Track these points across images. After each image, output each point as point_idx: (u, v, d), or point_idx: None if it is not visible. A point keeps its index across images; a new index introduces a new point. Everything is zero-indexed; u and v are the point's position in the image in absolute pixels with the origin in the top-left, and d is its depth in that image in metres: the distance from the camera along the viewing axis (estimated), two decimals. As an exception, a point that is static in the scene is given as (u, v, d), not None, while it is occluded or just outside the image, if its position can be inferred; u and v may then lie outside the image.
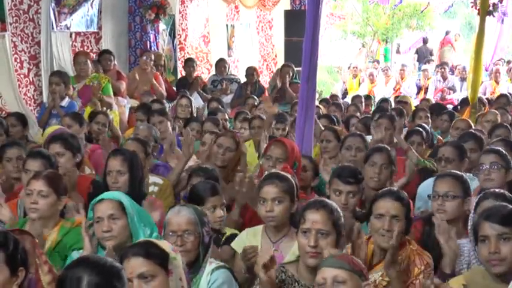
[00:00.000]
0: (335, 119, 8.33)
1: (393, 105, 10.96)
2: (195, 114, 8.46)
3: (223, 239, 4.48)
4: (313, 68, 6.37)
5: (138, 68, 10.83)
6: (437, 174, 4.90)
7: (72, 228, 4.33)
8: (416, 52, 22.23)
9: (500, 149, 5.14)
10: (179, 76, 12.56)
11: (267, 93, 11.41)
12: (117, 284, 2.59)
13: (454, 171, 4.75)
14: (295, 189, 4.29)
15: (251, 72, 11.73)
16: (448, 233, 3.86)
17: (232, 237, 4.42)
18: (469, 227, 4.00)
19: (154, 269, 2.98)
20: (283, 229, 4.18)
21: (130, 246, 3.11)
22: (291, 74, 11.21)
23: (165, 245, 3.11)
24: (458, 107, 10.85)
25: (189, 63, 11.88)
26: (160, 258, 3.01)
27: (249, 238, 4.25)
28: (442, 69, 16.02)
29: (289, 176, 4.38)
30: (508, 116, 8.84)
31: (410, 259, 3.82)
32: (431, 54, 21.47)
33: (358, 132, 6.59)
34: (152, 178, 5.59)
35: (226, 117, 8.56)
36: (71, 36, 10.68)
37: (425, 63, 18.78)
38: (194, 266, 3.67)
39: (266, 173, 4.64)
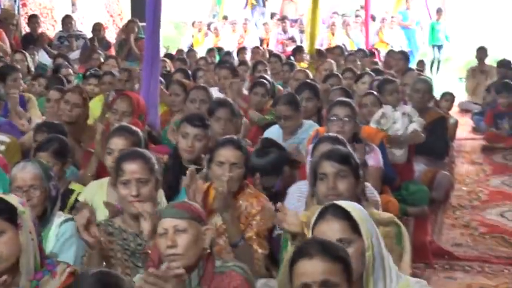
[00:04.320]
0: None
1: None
2: (32, 69, 8.25)
3: (72, 199, 4.34)
4: (157, 23, 6.29)
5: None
6: (320, 138, 4.91)
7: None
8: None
9: (352, 102, 5.27)
10: (23, 33, 12.11)
11: (113, 49, 11.28)
12: None
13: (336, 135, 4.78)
14: (143, 143, 4.29)
15: (98, 28, 11.64)
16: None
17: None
18: (308, 170, 4.17)
19: (2, 225, 2.88)
20: None
21: None
22: (136, 30, 11.11)
23: (12, 199, 2.99)
24: (292, 57, 11.13)
25: (33, 19, 11.60)
26: (8, 213, 2.90)
27: (94, 190, 4.22)
28: (283, 23, 16.32)
29: (138, 130, 4.38)
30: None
31: (248, 202, 3.92)
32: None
33: (202, 85, 6.63)
34: (-2, 136, 5.40)
35: (71, 72, 8.36)
36: None
37: (271, 18, 19.01)
38: (42, 220, 3.60)
39: (115, 125, 4.60)
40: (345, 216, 2.76)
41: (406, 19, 16.52)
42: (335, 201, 2.88)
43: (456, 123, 9.14)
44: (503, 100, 8.99)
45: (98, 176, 4.65)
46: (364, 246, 2.72)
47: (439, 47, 16.60)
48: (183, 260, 2.94)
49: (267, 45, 15.45)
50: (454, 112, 10.76)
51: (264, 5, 20.53)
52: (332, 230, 2.73)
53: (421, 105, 6.77)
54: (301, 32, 15.85)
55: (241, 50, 11.75)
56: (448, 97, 9.27)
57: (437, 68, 16.63)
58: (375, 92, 6.60)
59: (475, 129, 10.26)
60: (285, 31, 15.93)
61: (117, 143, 4.21)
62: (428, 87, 6.94)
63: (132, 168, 3.52)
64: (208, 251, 3.04)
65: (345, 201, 2.88)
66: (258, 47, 12.61)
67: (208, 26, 18.04)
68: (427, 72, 15.33)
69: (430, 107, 7.01)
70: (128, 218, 3.55)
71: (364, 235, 2.73)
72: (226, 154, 3.90)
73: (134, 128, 4.42)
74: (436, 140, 6.73)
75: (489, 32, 17.50)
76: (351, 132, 4.86)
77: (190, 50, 13.20)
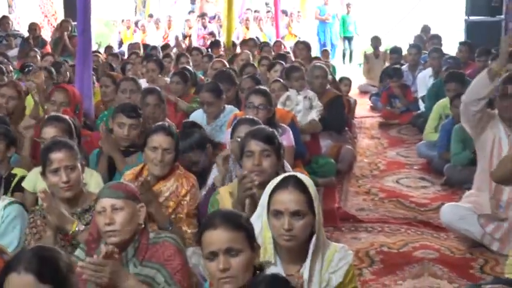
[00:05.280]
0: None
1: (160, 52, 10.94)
2: None
3: (14, 182, 4.27)
4: (88, 22, 6.17)
5: None
6: (238, 120, 4.87)
7: None
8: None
9: (267, 89, 5.27)
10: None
11: (48, 46, 11.01)
12: None
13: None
14: (73, 129, 4.23)
15: (33, 27, 11.38)
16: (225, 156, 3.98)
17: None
18: (228, 148, 4.18)
19: None
20: None
21: None
22: (69, 28, 10.90)
23: None
24: (209, 49, 11.09)
25: (-29, 21, 11.17)
26: None
27: (36, 176, 4.10)
28: (203, 20, 16.20)
29: (66, 117, 4.31)
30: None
31: (178, 182, 3.90)
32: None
33: (131, 76, 6.55)
34: None
35: (11, 68, 8.11)
36: None
37: (188, 14, 18.82)
38: (-14, 204, 3.51)
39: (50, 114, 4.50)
40: (304, 190, 2.74)
41: (324, 13, 16.57)
42: (296, 174, 2.85)
43: (355, 103, 9.29)
44: (394, 83, 9.19)
45: (36, 160, 4.57)
46: (313, 220, 2.72)
47: (350, 39, 16.67)
48: (120, 236, 2.92)
49: (189, 40, 15.33)
50: (354, 94, 10.97)
51: (194, 2, 20.36)
52: (292, 201, 2.71)
53: (320, 89, 6.82)
54: (220, 26, 15.79)
55: (166, 45, 11.66)
56: (346, 81, 9.42)
57: (350, 58, 16.68)
58: (281, 79, 6.66)
59: (373, 108, 10.44)
60: (204, 27, 15.86)
61: (49, 132, 4.14)
62: (324, 72, 6.97)
63: (59, 157, 3.46)
64: (143, 226, 3.01)
65: (304, 176, 2.84)
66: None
67: (136, 23, 17.78)
68: (340, 62, 15.62)
69: (327, 89, 7.04)
70: (60, 202, 3.48)
71: (316, 210, 2.74)
72: (159, 140, 3.86)
73: (63, 116, 4.37)
74: (334, 116, 6.81)
75: (385, 23, 17.83)
76: (264, 117, 4.81)
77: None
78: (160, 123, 4.17)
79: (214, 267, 2.40)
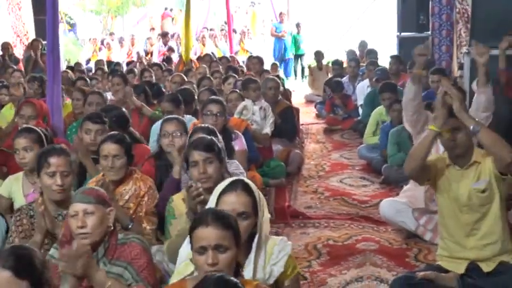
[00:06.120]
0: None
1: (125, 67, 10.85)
2: None
3: None
4: (56, 40, 6.04)
5: None
6: (164, 118, 4.89)
7: None
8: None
9: (222, 99, 5.25)
10: None
11: (21, 64, 10.81)
12: None
13: (176, 116, 4.80)
14: (44, 139, 4.14)
15: (6, 46, 11.24)
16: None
17: None
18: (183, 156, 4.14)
19: None
20: None
21: None
22: (40, 47, 10.73)
23: None
24: (165, 63, 11.12)
25: None
26: None
27: (11, 182, 4.07)
28: (164, 38, 16.08)
29: (37, 128, 4.23)
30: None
31: (136, 185, 3.86)
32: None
33: (97, 90, 6.46)
34: None
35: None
36: None
37: (149, 31, 18.66)
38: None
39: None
40: (250, 193, 2.74)
41: (280, 30, 16.54)
42: (243, 179, 2.83)
43: (298, 110, 9.29)
44: (336, 95, 9.30)
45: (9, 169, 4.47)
46: (255, 220, 2.72)
47: (301, 56, 16.66)
48: (91, 238, 2.89)
49: (151, 56, 15.22)
50: (301, 103, 11.03)
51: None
52: (239, 203, 2.70)
53: (273, 99, 6.85)
54: (178, 44, 15.71)
55: (130, 62, 11.58)
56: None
57: (302, 74, 16.61)
58: (238, 90, 6.66)
59: (318, 116, 10.48)
60: (165, 44, 15.75)
61: (20, 142, 4.06)
62: (277, 84, 7.00)
63: (58, 161, 3.43)
64: (112, 228, 2.98)
65: (250, 181, 2.82)
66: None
67: (102, 42, 17.57)
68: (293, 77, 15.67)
69: (279, 100, 7.06)
70: (48, 202, 3.42)
71: (260, 213, 2.74)
72: (108, 148, 3.83)
73: (33, 127, 4.29)
74: (286, 124, 6.84)
75: (328, 39, 17.97)
76: (222, 124, 4.90)
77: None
78: (109, 133, 4.12)
79: (203, 260, 2.40)
